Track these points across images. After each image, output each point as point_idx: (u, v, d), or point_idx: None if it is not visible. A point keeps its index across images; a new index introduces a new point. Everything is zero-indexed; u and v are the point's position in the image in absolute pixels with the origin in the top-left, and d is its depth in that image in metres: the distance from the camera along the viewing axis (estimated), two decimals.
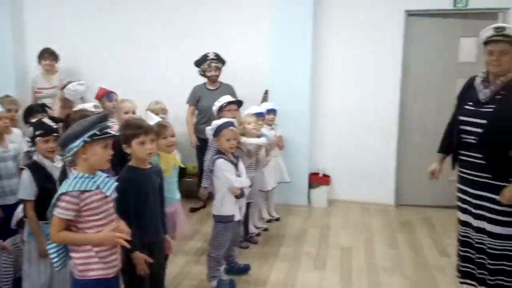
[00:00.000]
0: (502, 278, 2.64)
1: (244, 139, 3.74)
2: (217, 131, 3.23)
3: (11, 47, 5.69)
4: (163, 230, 2.59)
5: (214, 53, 4.70)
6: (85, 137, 2.00)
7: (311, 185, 5.18)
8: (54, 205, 2.01)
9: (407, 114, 5.11)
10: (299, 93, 4.96)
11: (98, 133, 2.02)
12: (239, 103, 3.98)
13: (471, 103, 2.70)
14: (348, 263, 3.73)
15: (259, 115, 4.07)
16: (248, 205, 3.96)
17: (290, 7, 4.86)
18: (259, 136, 3.92)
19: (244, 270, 3.51)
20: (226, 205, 3.19)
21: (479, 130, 2.63)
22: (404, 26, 4.92)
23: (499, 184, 2.56)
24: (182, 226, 2.99)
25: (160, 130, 2.83)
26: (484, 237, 2.68)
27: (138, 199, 2.36)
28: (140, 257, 2.36)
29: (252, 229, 4.20)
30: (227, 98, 3.90)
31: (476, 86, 2.69)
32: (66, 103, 4.22)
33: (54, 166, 2.72)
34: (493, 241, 2.63)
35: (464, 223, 2.84)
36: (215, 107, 3.86)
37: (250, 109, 4.08)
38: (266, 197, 4.66)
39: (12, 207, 2.97)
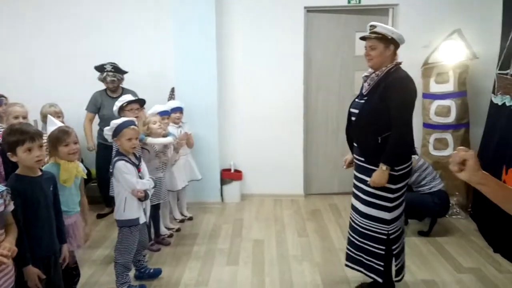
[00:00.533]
0: (372, 260, 2.88)
1: (149, 139, 3.65)
2: (117, 131, 3.10)
3: None
4: (60, 241, 2.44)
5: (111, 65, 4.48)
6: None
7: (223, 181, 5.20)
8: None
9: (312, 106, 5.31)
10: (205, 89, 4.93)
11: None
12: (141, 102, 3.86)
13: (359, 96, 2.91)
14: (260, 256, 3.79)
15: (164, 113, 3.99)
16: (157, 206, 3.89)
17: (192, 3, 4.80)
18: (165, 136, 3.84)
19: (155, 274, 3.41)
20: (129, 209, 3.08)
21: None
22: (304, 22, 5.09)
23: (371, 168, 2.78)
24: (80, 239, 2.81)
25: (62, 136, 2.61)
26: (358, 216, 2.92)
27: (27, 209, 2.18)
28: (32, 272, 2.20)
29: (163, 231, 4.11)
30: (128, 97, 3.76)
31: (362, 80, 2.89)
32: None
33: None
34: (361, 219, 2.87)
35: (351, 206, 3.06)
36: (115, 108, 3.72)
37: (153, 108, 3.98)
38: (178, 197, 4.60)
39: None
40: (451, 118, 4.56)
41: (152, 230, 3.96)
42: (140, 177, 3.15)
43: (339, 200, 5.17)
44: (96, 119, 4.73)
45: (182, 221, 4.55)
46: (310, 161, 5.40)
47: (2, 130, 3.32)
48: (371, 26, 2.79)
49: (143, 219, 3.19)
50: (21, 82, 5.05)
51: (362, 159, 2.86)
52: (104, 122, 4.50)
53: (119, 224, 3.15)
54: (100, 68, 4.50)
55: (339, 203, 5.08)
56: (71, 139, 2.64)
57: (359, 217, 2.90)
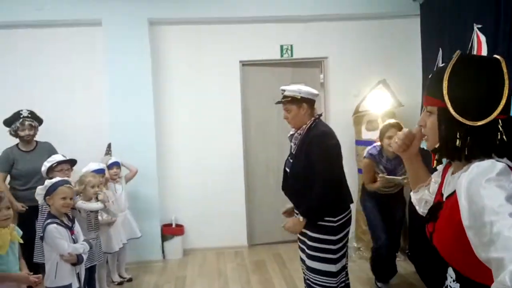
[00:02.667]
0: None
1: (79, 204, 3.48)
2: (51, 190, 2.96)
3: None
4: None
5: (28, 110, 4.23)
6: None
7: (164, 237, 5.04)
8: None
9: (252, 156, 5.37)
10: (143, 144, 4.87)
11: None
12: (72, 162, 3.72)
13: (289, 155, 2.99)
14: None
15: (99, 171, 3.86)
16: (92, 269, 3.67)
17: (127, 59, 4.81)
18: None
19: None
20: (60, 275, 2.88)
21: None
22: (240, 74, 5.23)
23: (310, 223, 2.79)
24: None
25: None
26: (306, 270, 2.89)
27: None
28: None
29: None
30: (58, 157, 3.61)
31: (289, 141, 2.98)
32: None
33: None
34: (308, 274, 2.84)
35: (299, 258, 3.02)
36: (44, 168, 3.54)
37: (88, 166, 3.85)
38: (117, 257, 4.38)
39: None
40: None
41: None
42: (74, 240, 2.99)
43: (283, 249, 5.14)
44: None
45: (121, 283, 4.32)
46: (253, 211, 5.39)
47: None
48: (281, 90, 2.92)
49: (76, 285, 3.00)
50: None
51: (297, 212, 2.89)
52: (22, 180, 4.17)
53: None
54: (13, 117, 4.17)
55: (283, 253, 5.05)
56: (3, 204, 2.56)
57: (307, 271, 2.86)
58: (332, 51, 5.27)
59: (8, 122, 4.20)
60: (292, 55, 5.24)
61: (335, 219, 2.75)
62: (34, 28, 4.90)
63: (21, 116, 4.16)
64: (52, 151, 4.26)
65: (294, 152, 2.88)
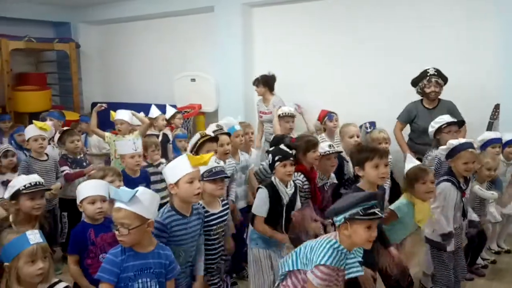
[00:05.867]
0: None
1: (475, 188, 3.38)
2: (454, 152, 2.94)
3: (242, 73, 6.20)
4: None
5: (434, 68, 4.32)
6: (347, 214, 1.92)
7: None
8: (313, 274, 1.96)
9: None
10: None
11: (361, 213, 1.89)
12: (460, 124, 3.63)
13: None
14: None
15: (495, 141, 3.63)
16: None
17: None
18: (494, 180, 3.51)
19: None
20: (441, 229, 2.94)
21: None
22: None
23: None
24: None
25: (420, 173, 2.67)
26: None
27: None
28: (366, 272, 2.31)
29: (478, 260, 3.83)
30: (446, 118, 3.59)
31: None
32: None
33: (286, 191, 2.82)
34: None
35: None
36: (432, 129, 3.61)
37: (484, 135, 3.68)
38: (497, 227, 4.15)
39: (241, 211, 3.48)
40: None
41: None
42: (463, 201, 3.00)
43: None
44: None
45: (498, 253, 4.15)
46: None
47: (337, 143, 3.80)
48: None
49: (451, 248, 3.00)
50: (345, 99, 5.45)
51: None
52: (418, 134, 4.40)
53: (427, 241, 3.10)
54: (421, 76, 4.35)
55: None
56: (429, 177, 2.67)
57: None
58: None
59: (415, 82, 4.43)
60: None
61: None
62: None
63: (428, 74, 4.30)
64: (453, 110, 4.22)
65: None
